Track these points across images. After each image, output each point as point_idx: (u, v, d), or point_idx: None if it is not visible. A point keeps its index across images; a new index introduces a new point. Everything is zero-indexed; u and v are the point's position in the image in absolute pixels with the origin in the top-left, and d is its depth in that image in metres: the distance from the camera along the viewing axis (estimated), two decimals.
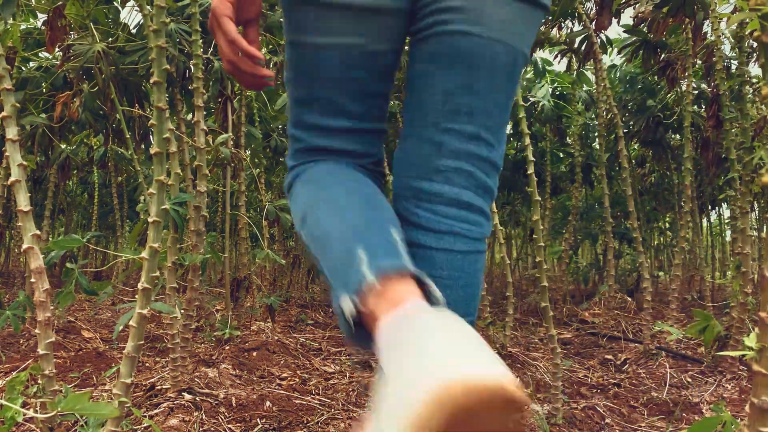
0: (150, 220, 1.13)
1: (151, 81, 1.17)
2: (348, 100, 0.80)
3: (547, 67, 3.87)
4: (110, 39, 2.28)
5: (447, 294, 0.66)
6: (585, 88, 3.91)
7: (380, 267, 0.61)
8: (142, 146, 3.14)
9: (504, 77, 0.76)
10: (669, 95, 3.64)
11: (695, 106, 3.63)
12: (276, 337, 2.59)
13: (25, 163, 1.12)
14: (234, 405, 1.56)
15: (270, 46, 2.64)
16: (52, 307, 1.10)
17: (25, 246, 1.10)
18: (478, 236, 0.78)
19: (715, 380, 1.95)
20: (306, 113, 0.83)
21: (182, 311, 1.64)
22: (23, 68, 2.68)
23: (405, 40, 0.82)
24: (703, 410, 1.65)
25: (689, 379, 1.97)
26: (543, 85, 3.79)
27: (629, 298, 3.43)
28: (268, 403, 1.59)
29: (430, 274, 0.65)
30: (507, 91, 0.78)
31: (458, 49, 0.74)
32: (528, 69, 3.86)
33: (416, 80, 0.79)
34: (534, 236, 1.57)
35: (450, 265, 0.75)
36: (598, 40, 2.87)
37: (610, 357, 2.29)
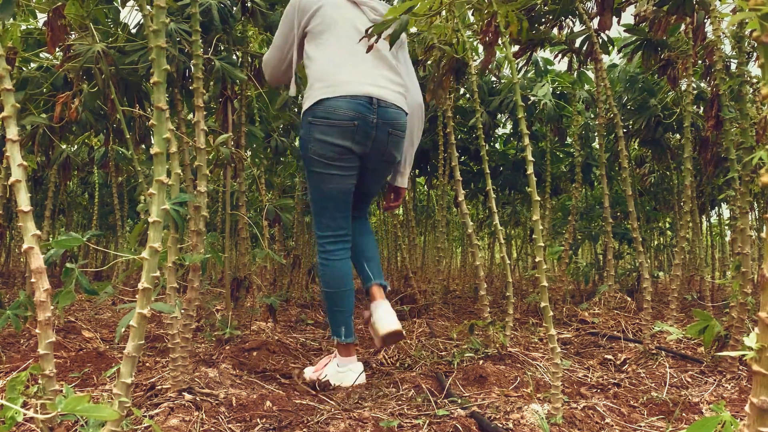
0: (150, 220, 1.13)
1: (151, 81, 1.17)
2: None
3: (549, 67, 3.86)
4: (110, 39, 2.28)
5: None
6: (586, 87, 3.91)
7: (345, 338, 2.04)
8: (142, 146, 3.14)
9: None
10: (669, 95, 3.63)
11: (695, 107, 3.63)
12: (276, 337, 2.60)
13: (25, 163, 1.12)
14: (234, 405, 1.56)
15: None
16: (52, 307, 1.10)
17: (25, 246, 1.10)
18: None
19: (714, 380, 1.95)
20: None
21: (182, 311, 1.64)
22: (24, 68, 2.68)
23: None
24: (703, 410, 1.65)
25: (689, 379, 1.97)
26: (544, 84, 3.78)
27: (629, 298, 3.42)
28: (268, 403, 1.59)
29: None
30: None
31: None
32: (529, 68, 3.86)
33: None
34: (534, 236, 1.57)
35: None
36: (599, 40, 2.86)
37: (609, 357, 2.29)
